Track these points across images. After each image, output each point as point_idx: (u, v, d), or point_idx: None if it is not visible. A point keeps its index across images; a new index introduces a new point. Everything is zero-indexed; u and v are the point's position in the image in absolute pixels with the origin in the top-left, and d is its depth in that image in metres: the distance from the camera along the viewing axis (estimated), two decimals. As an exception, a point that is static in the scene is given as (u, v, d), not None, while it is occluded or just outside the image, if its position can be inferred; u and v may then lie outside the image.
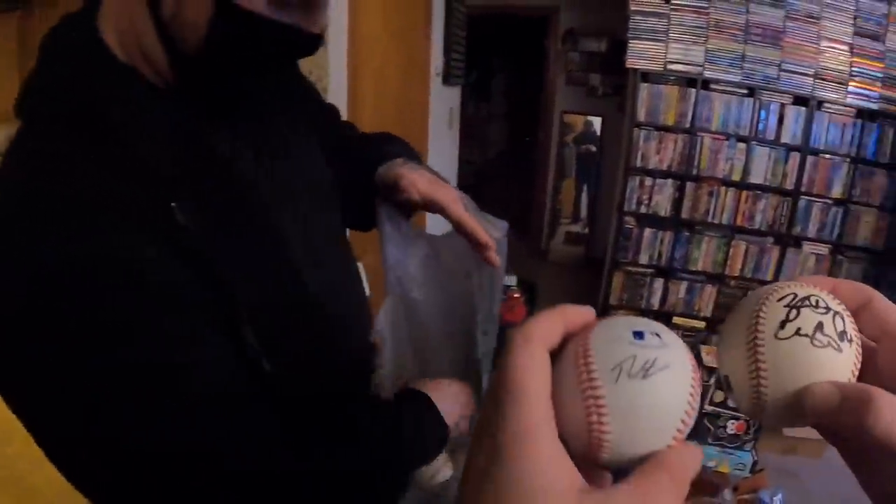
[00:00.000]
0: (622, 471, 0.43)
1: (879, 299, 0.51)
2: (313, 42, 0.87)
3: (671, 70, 4.84)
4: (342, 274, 1.16)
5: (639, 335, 0.44)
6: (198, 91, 0.86)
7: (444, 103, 5.21)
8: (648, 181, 5.07)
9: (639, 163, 5.03)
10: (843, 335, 0.46)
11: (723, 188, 4.98)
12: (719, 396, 2.48)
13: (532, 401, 0.41)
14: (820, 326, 0.46)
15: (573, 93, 7.12)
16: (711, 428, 2.52)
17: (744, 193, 4.96)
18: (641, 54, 4.85)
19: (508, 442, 0.40)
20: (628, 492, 0.39)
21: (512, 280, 3.53)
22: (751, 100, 4.82)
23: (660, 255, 5.24)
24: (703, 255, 5.17)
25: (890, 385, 0.45)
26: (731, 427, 2.53)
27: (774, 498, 2.99)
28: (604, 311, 5.37)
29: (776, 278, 5.00)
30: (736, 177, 4.93)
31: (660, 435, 0.42)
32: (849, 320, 0.48)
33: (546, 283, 5.41)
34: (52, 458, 0.77)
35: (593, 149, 7.15)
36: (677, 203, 5.08)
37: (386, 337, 1.12)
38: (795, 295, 0.48)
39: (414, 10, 4.37)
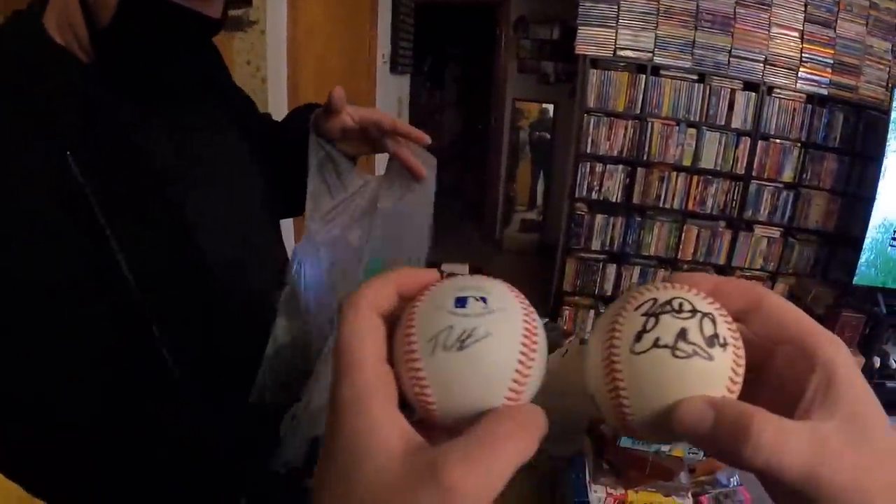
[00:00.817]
0: None
1: (771, 298, 0.45)
2: (213, 25, 0.97)
3: (621, 56, 4.83)
4: (260, 255, 1.19)
5: (461, 302, 0.43)
6: (113, 64, 0.94)
7: (391, 92, 5.19)
8: (599, 167, 5.05)
9: (589, 149, 5.02)
10: (713, 340, 0.41)
11: (674, 173, 4.98)
12: None
13: (361, 366, 0.41)
14: (683, 334, 0.41)
15: (525, 80, 7.10)
16: None
17: (695, 178, 4.97)
18: (591, 40, 4.83)
19: (340, 407, 0.40)
20: (462, 441, 0.38)
21: (463, 269, 3.50)
22: (701, 85, 4.82)
23: (612, 240, 5.23)
24: (656, 240, 5.17)
25: (786, 397, 0.42)
26: None
27: (731, 479, 3.00)
28: (557, 298, 5.37)
29: (729, 262, 5.08)
30: (687, 162, 4.93)
31: (487, 401, 0.41)
32: (722, 321, 0.42)
33: (499, 272, 5.32)
34: None
35: (548, 136, 7.14)
36: (628, 189, 5.07)
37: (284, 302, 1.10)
38: (655, 300, 0.43)
39: (358, -1, 4.32)
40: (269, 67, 3.26)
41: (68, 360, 0.83)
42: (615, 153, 5.00)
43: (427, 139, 1.17)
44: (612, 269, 5.31)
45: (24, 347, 0.80)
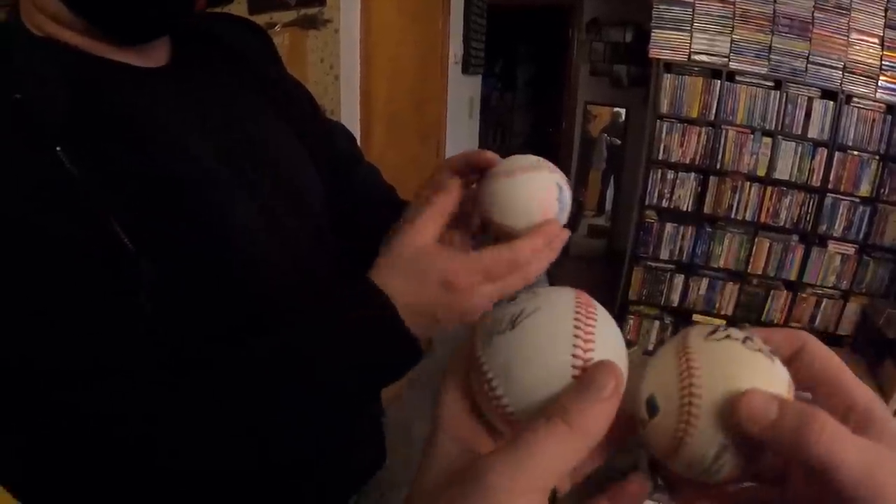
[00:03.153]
0: None
1: (814, 343, 0.46)
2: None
3: (695, 61, 4.72)
4: (315, 253, 1.10)
5: (511, 298, 0.45)
6: (96, 13, 0.87)
7: (463, 92, 5.17)
8: (671, 174, 4.95)
9: (661, 156, 4.91)
10: (772, 353, 0.43)
11: (747, 183, 4.84)
12: None
13: (435, 417, 0.46)
14: (748, 338, 0.42)
15: (597, 83, 7.02)
16: None
17: (768, 189, 4.81)
18: (665, 44, 4.73)
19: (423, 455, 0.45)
20: (504, 443, 0.39)
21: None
22: (777, 93, 4.67)
23: (681, 250, 5.11)
24: (725, 251, 5.04)
25: None
26: None
27: None
28: (622, 307, 5.30)
29: (800, 278, 4.90)
30: (761, 172, 4.79)
31: (554, 378, 0.41)
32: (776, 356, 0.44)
33: (564, 277, 5.32)
34: None
35: (618, 141, 7.06)
36: (700, 198, 4.94)
37: None
38: (717, 327, 0.44)
39: (430, -3, 4.31)
40: (343, 66, 3.28)
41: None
42: (687, 161, 4.88)
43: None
44: (679, 280, 5.19)
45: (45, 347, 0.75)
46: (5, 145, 0.76)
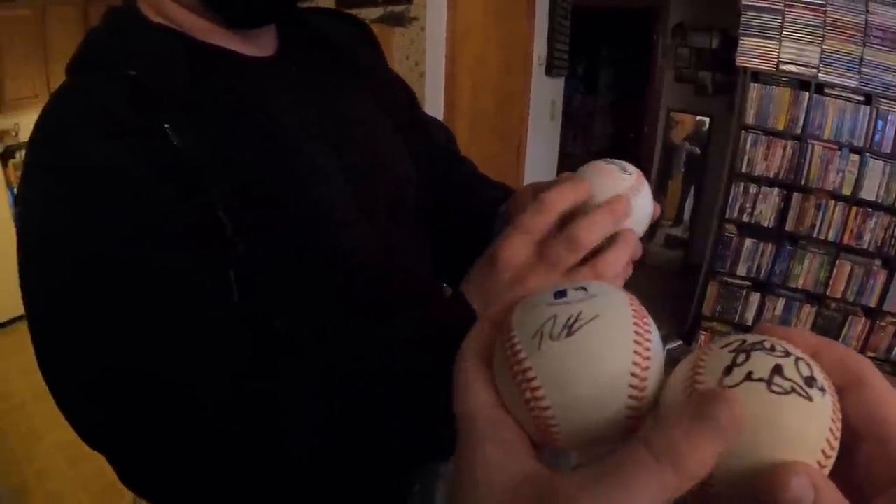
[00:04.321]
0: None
1: (876, 380, 0.40)
2: None
3: (783, 71, 4.58)
4: (406, 244, 1.10)
5: (559, 294, 0.42)
6: (230, 14, 0.92)
7: (546, 94, 5.17)
8: (753, 188, 4.83)
9: (744, 168, 4.80)
10: (811, 381, 0.36)
11: (831, 202, 4.67)
12: None
13: (472, 416, 0.41)
14: (778, 369, 0.36)
15: (681, 90, 6.88)
16: None
17: (853, 209, 4.63)
18: (753, 52, 4.61)
19: (458, 460, 0.41)
20: (587, 469, 0.35)
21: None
22: (867, 108, 4.49)
23: (759, 267, 4.98)
24: (805, 272, 4.88)
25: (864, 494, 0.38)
26: None
27: None
28: (695, 321, 5.21)
29: (880, 305, 4.70)
30: (846, 190, 4.61)
31: (609, 397, 0.38)
32: (819, 369, 0.37)
33: (638, 287, 5.23)
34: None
35: (698, 150, 6.93)
36: (782, 214, 4.80)
37: None
38: (744, 340, 0.39)
39: (516, -2, 4.30)
40: (428, 63, 3.30)
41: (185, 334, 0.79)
42: (771, 174, 4.75)
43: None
44: (755, 298, 5.06)
45: (137, 323, 0.76)
46: (117, 114, 0.79)
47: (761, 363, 0.36)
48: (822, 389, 0.36)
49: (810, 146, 4.63)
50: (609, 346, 0.38)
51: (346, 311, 0.94)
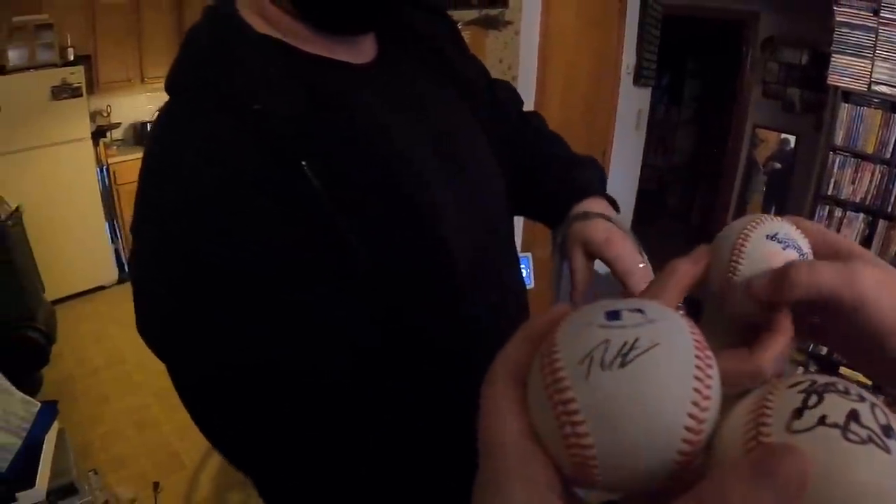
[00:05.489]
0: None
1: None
2: None
3: (876, 91, 4.42)
4: (498, 251, 1.14)
5: (613, 315, 0.36)
6: (320, 15, 0.90)
7: (632, 104, 5.15)
8: (838, 212, 4.71)
9: (830, 191, 4.68)
10: (889, 430, 0.32)
11: (918, 230, 4.53)
12: None
13: (501, 447, 0.37)
14: (854, 415, 0.32)
15: (768, 106, 6.70)
16: None
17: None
18: (844, 71, 4.48)
19: (480, 492, 0.37)
20: None
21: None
22: None
23: (838, 294, 4.83)
24: (886, 302, 4.72)
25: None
26: None
27: None
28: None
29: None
30: None
31: (662, 439, 0.33)
32: (892, 416, 0.33)
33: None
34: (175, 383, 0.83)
35: (778, 165, 6.75)
36: (866, 241, 4.64)
37: None
38: (815, 381, 0.35)
39: (608, 3, 4.30)
40: (521, 67, 3.32)
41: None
42: (857, 199, 4.61)
43: None
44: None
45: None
46: (253, 162, 0.78)
47: (836, 407, 0.32)
48: None
49: None
50: (668, 380, 0.34)
51: (450, 333, 0.95)
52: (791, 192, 6.62)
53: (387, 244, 0.86)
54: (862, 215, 4.66)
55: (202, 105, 0.82)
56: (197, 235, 0.75)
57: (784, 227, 0.53)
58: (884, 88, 4.43)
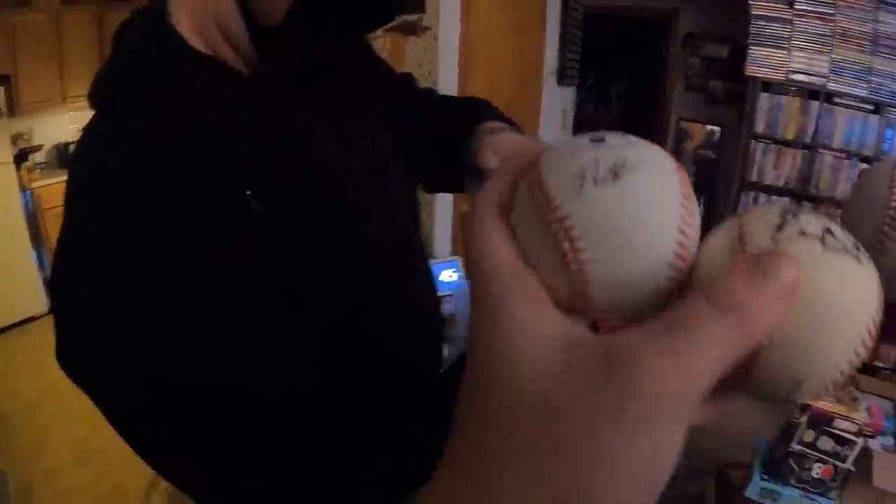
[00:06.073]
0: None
1: None
2: (390, 11, 0.89)
3: (793, 80, 4.62)
4: (414, 249, 1.15)
5: (598, 139, 0.36)
6: (278, 65, 0.88)
7: (557, 104, 5.17)
8: (763, 198, 4.84)
9: (754, 177, 4.82)
10: (858, 247, 0.34)
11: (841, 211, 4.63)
12: (809, 436, 2.35)
13: (494, 273, 0.36)
14: (829, 230, 0.34)
15: (692, 99, 6.86)
16: (796, 468, 2.38)
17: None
18: (762, 62, 4.66)
19: (477, 322, 0.36)
20: (646, 326, 0.32)
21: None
22: (877, 117, 4.52)
23: (770, 274, 4.96)
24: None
25: None
26: (817, 471, 2.37)
27: None
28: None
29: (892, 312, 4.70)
30: None
31: (655, 253, 0.34)
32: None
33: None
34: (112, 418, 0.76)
35: (712, 155, 6.88)
36: (791, 223, 4.78)
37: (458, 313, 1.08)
38: (785, 207, 0.36)
39: (529, 6, 4.32)
40: (441, 73, 3.32)
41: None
42: (781, 184, 4.77)
43: None
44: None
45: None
46: (189, 175, 0.75)
47: (812, 223, 0.34)
48: (868, 259, 0.35)
49: (820, 155, 4.65)
50: (660, 194, 0.34)
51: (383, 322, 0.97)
52: (719, 180, 6.75)
53: (323, 260, 0.86)
54: (786, 199, 4.79)
55: (135, 118, 0.78)
56: (126, 246, 0.70)
57: None
58: (801, 77, 4.61)
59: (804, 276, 0.32)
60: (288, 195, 0.83)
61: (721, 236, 0.36)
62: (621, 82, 9.50)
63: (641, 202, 0.34)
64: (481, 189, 0.40)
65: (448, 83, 3.37)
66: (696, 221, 0.36)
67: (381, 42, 3.33)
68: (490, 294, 0.35)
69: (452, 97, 1.34)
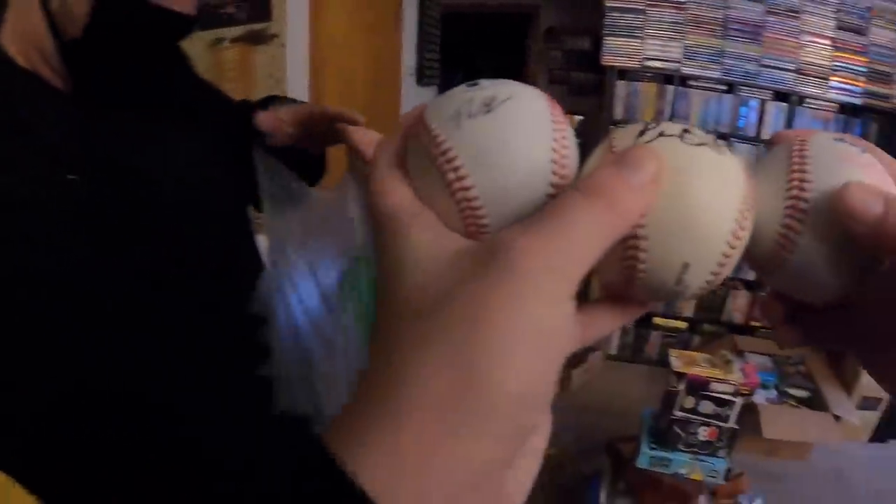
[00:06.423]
0: None
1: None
2: (187, 23, 0.95)
3: (648, 67, 4.77)
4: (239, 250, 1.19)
5: (473, 84, 0.40)
6: (86, 81, 0.92)
7: (418, 104, 5.15)
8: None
9: (617, 163, 4.91)
10: (720, 144, 0.38)
11: (702, 185, 4.83)
12: (689, 402, 2.43)
13: (394, 212, 0.38)
14: (688, 130, 0.38)
15: (556, 91, 6.95)
16: (682, 434, 2.48)
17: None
18: (618, 51, 4.77)
19: (380, 258, 0.39)
20: (525, 220, 0.35)
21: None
22: (730, 96, 4.74)
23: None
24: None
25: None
26: (703, 434, 2.49)
27: (754, 502, 2.96)
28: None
29: (757, 281, 4.93)
30: None
31: (534, 173, 0.37)
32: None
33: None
34: None
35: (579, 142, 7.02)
36: (655, 202, 4.93)
37: (272, 310, 1.08)
38: (646, 126, 0.40)
39: (383, 6, 4.31)
40: (290, 80, 3.27)
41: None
42: (640, 167, 4.88)
43: (361, 119, 1.17)
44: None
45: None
46: (23, 181, 0.78)
47: (671, 127, 0.38)
48: (731, 153, 0.38)
49: None
50: (529, 120, 0.38)
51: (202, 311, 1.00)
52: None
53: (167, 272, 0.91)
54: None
55: None
56: None
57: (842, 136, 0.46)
58: (656, 63, 4.76)
59: (668, 166, 0.36)
60: (119, 203, 0.88)
61: (595, 152, 0.40)
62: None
63: (511, 125, 0.37)
64: (378, 144, 0.43)
65: (299, 89, 3.32)
66: (571, 142, 0.39)
67: (229, 53, 3.25)
68: (388, 230, 0.38)
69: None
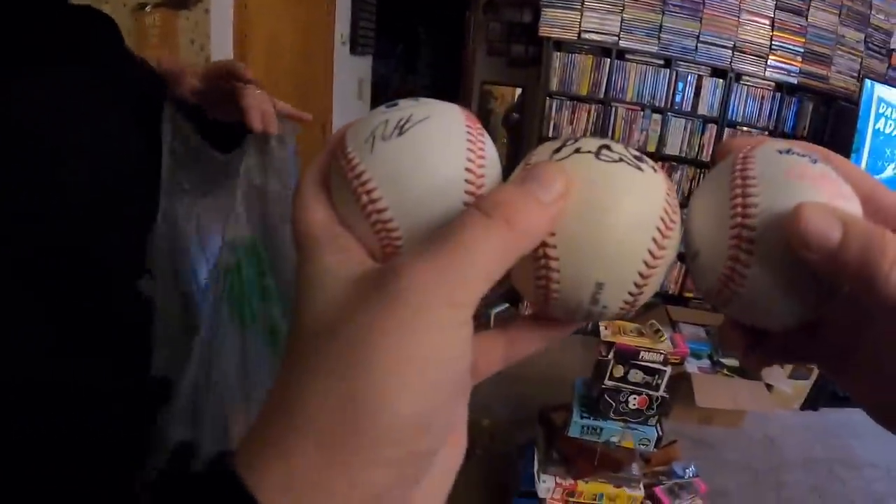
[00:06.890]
0: None
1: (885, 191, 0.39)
2: None
3: (586, 39, 4.80)
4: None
5: (392, 104, 0.39)
6: None
7: (351, 74, 5.09)
8: (562, 150, 5.00)
9: (551, 133, 5.00)
10: (640, 159, 0.37)
11: (637, 159, 4.91)
12: (619, 371, 2.45)
13: (309, 231, 0.38)
14: (606, 147, 0.37)
15: (495, 63, 6.94)
16: (613, 403, 2.50)
17: (659, 164, 4.81)
18: (555, 22, 4.81)
19: (296, 280, 0.38)
20: (423, 243, 0.34)
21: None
22: (667, 71, 4.80)
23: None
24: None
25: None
26: (633, 402, 2.54)
27: (687, 470, 3.00)
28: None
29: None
30: (651, 147, 4.92)
31: (446, 193, 0.37)
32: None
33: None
34: None
35: (517, 115, 7.05)
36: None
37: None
38: (569, 137, 0.40)
39: (314, -28, 4.22)
40: (214, 46, 3.18)
41: None
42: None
43: (249, 75, 1.12)
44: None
45: None
46: None
47: (589, 143, 0.37)
48: (654, 169, 0.38)
49: (614, 109, 4.89)
50: (441, 140, 0.37)
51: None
52: (524, 139, 6.90)
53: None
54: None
55: None
56: None
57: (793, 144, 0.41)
58: (593, 36, 4.81)
59: (581, 183, 0.35)
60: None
61: (516, 171, 0.39)
62: (428, 52, 9.56)
63: (421, 146, 0.36)
64: (306, 169, 0.42)
65: (222, 57, 3.23)
66: (490, 158, 0.39)
67: (151, 18, 3.15)
68: (305, 249, 0.38)
69: None
